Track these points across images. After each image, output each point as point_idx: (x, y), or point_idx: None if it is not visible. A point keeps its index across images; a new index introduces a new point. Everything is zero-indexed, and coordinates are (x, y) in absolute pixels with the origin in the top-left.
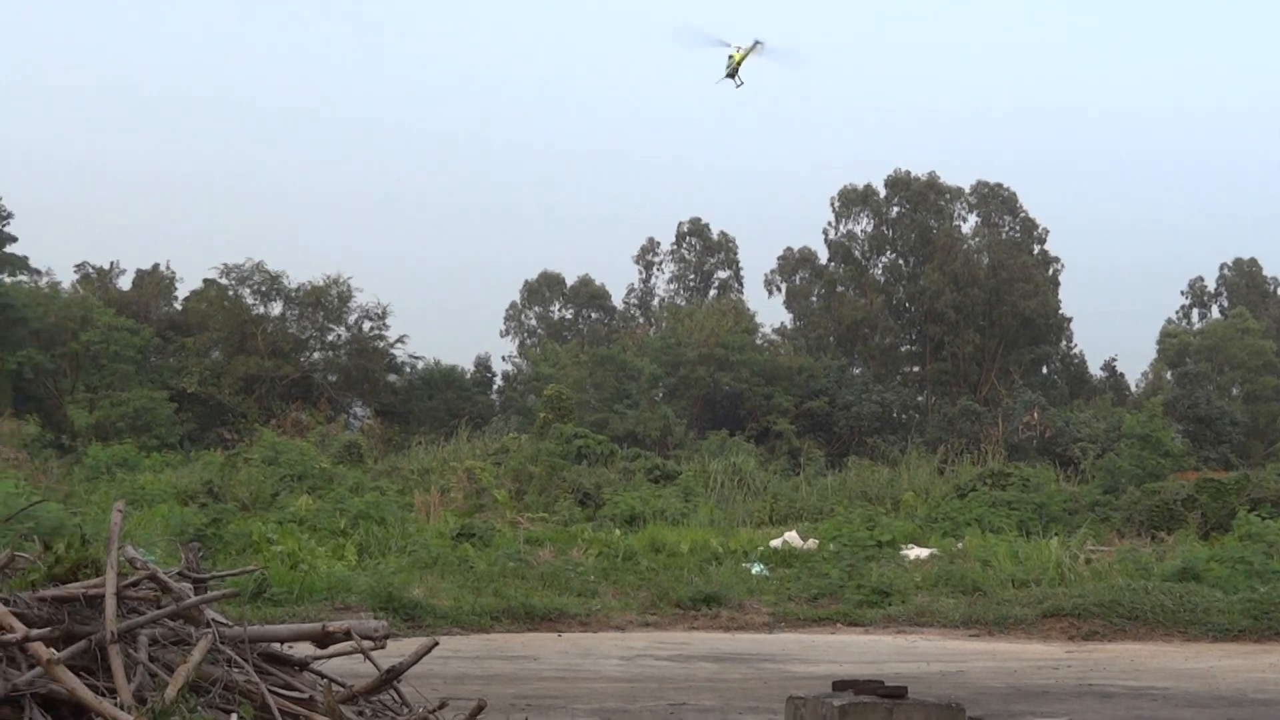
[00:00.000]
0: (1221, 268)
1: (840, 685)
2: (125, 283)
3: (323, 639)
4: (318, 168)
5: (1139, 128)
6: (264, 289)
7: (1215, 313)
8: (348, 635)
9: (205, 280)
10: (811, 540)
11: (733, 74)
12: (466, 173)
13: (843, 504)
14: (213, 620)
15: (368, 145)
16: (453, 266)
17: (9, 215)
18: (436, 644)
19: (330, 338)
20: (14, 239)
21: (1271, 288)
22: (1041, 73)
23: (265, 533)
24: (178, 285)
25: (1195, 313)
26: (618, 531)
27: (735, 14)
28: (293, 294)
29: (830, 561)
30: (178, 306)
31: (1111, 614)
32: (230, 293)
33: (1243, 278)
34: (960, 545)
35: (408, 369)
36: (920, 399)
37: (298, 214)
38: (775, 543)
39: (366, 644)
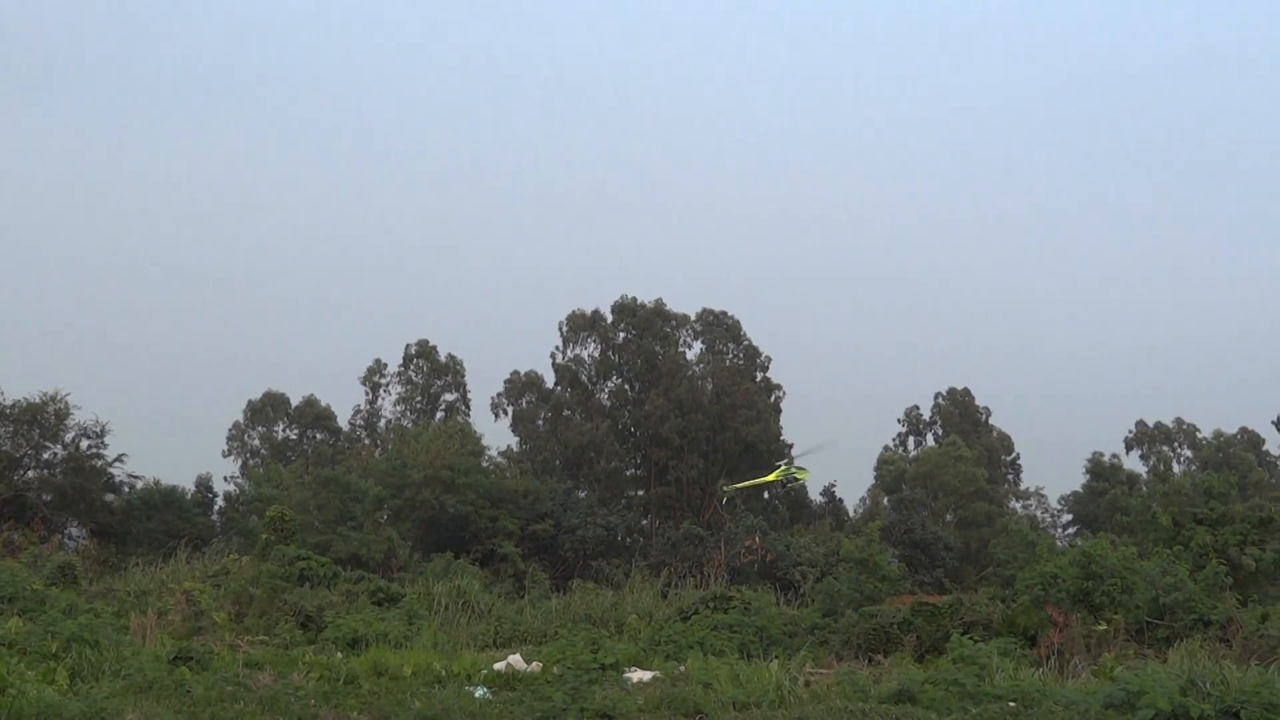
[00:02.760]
0: (936, 397)
1: None
2: None
3: None
4: (32, 282)
5: (855, 258)
6: None
7: (930, 441)
8: None
9: None
10: (535, 663)
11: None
12: (187, 291)
13: (567, 627)
14: None
15: (83, 260)
16: (174, 385)
17: None
18: None
19: (46, 456)
20: None
21: (983, 417)
22: (759, 200)
23: None
24: None
25: (911, 440)
26: (340, 654)
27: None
28: (7, 411)
29: (554, 684)
30: None
31: None
32: None
33: (956, 407)
34: (683, 668)
35: (126, 489)
36: (644, 523)
37: (13, 329)
38: (499, 666)
39: None
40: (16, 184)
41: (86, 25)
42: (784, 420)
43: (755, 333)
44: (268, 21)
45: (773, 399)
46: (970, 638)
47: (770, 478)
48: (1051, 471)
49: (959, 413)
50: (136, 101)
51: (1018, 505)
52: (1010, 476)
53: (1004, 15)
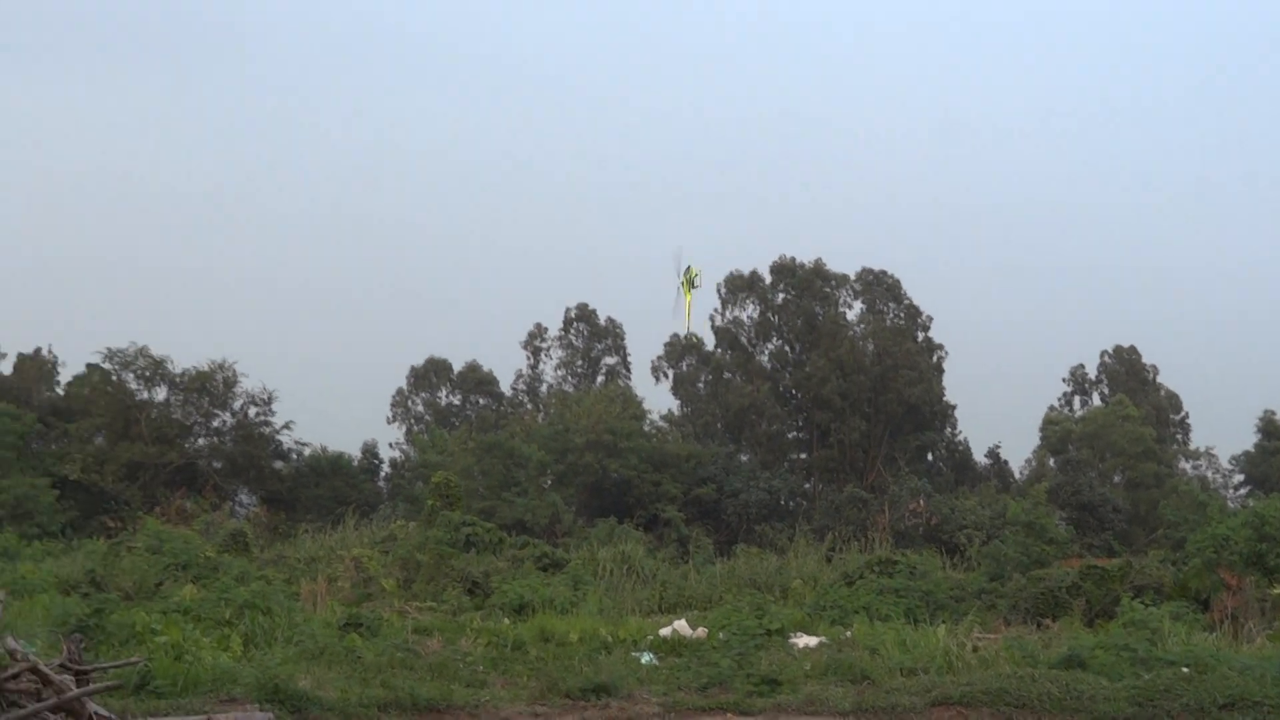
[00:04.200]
0: (1102, 355)
1: None
2: (6, 367)
3: None
4: (202, 250)
5: (1019, 216)
6: (148, 374)
7: (1096, 400)
8: None
9: (88, 365)
10: (701, 629)
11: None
12: (352, 256)
13: (731, 592)
14: (95, 713)
15: (253, 227)
16: (339, 352)
17: None
18: None
19: (215, 424)
20: None
21: (1151, 375)
22: (922, 161)
23: (149, 623)
24: (60, 370)
25: (1077, 400)
26: (506, 620)
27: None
28: (177, 379)
29: (720, 650)
30: (60, 391)
31: (999, 702)
32: (114, 377)
33: (1123, 365)
34: (848, 633)
35: (294, 456)
36: (807, 486)
37: (182, 297)
38: (664, 631)
39: None
40: (193, 129)
41: None
42: (946, 380)
43: (916, 291)
44: None
45: (935, 359)
46: (1141, 601)
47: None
48: (1222, 431)
49: (1125, 371)
50: (313, 52)
51: (1187, 466)
52: (1179, 436)
53: None
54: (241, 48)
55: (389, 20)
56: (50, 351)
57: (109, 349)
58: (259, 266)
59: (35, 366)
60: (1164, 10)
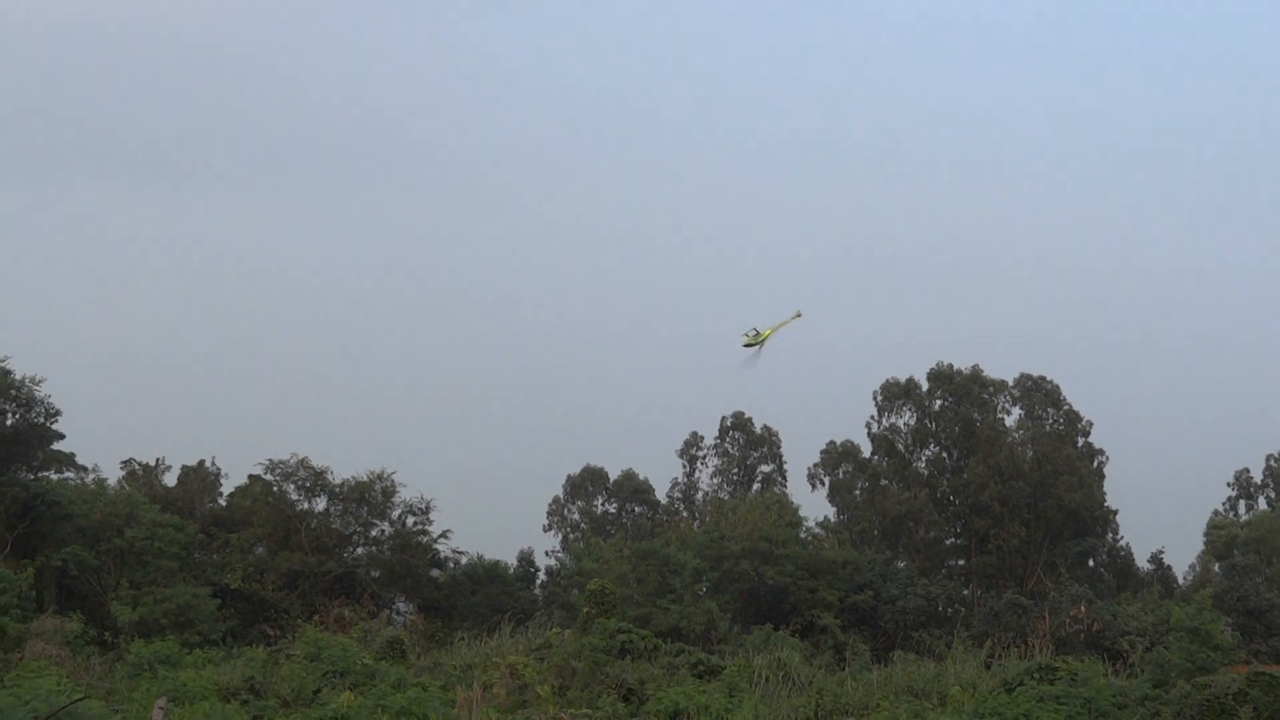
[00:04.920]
0: (1268, 459)
1: None
2: (170, 479)
3: None
4: (362, 363)
5: (1180, 322)
6: (308, 485)
7: (1262, 504)
8: None
9: (250, 476)
10: None
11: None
12: (510, 368)
13: (889, 699)
14: None
15: (411, 340)
16: (496, 462)
17: (57, 412)
18: None
19: (374, 533)
20: (61, 436)
21: None
22: (1083, 266)
23: None
24: (222, 481)
25: (1242, 504)
26: None
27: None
28: (336, 490)
29: None
30: (222, 503)
31: None
32: (274, 489)
33: None
34: None
35: (451, 564)
36: (966, 592)
37: (342, 409)
38: None
39: None
40: (356, 245)
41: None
42: (1107, 485)
43: (1075, 397)
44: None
45: (1095, 464)
46: None
47: (767, 333)
48: None
49: None
50: (469, 167)
51: None
52: None
53: None
54: (398, 168)
55: (536, 132)
56: (213, 463)
57: (270, 460)
58: (417, 377)
59: (198, 478)
60: None
